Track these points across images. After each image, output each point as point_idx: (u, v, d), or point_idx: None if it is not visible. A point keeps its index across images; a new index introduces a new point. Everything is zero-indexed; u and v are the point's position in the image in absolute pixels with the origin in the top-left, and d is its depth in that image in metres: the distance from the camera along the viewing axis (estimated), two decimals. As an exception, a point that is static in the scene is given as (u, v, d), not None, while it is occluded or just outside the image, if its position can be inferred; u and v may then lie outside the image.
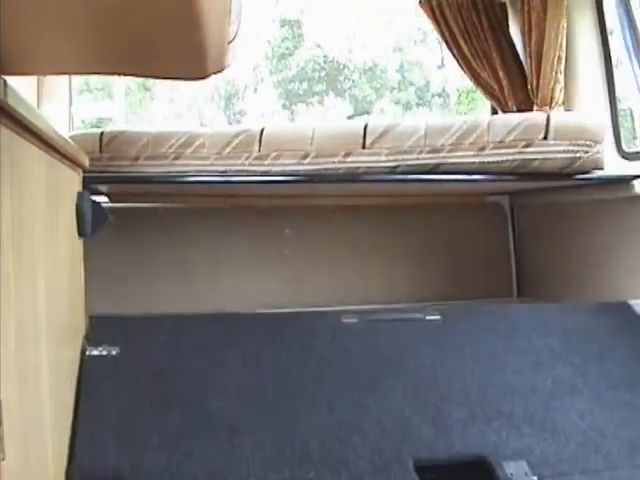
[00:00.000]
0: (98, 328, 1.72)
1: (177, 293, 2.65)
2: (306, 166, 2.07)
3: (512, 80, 2.70)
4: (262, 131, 2.10)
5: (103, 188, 2.29)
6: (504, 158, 2.07)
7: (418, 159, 2.08)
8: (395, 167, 2.07)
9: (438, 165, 2.08)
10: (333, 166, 2.07)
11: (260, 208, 2.71)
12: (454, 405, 1.60)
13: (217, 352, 1.70)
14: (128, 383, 1.58)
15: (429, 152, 2.08)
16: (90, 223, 1.63)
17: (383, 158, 2.07)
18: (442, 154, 2.07)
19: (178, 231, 2.68)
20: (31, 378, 1.08)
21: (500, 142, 2.07)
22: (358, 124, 2.13)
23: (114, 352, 1.64)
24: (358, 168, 2.07)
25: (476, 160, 2.07)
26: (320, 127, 2.13)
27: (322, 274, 2.75)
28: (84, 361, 1.60)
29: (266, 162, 2.07)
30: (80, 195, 1.62)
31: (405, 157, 2.07)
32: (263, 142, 2.08)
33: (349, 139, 2.08)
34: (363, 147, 2.07)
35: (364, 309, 1.91)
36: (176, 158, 2.07)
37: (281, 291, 2.71)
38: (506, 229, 2.94)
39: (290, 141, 2.08)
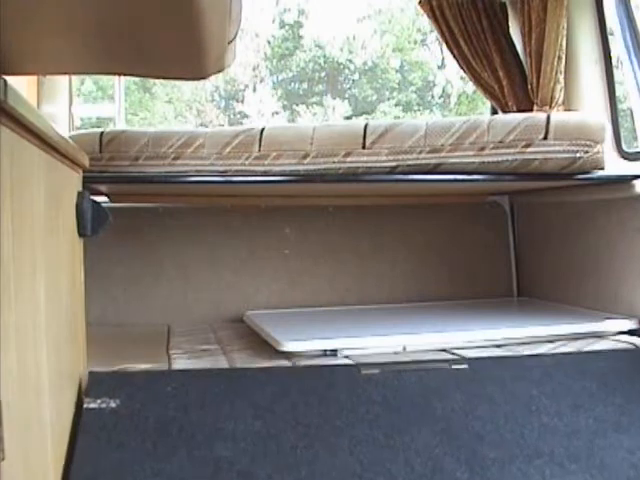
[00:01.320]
0: (97, 382, 1.62)
1: (177, 293, 2.66)
2: (306, 166, 2.07)
3: (512, 80, 2.70)
4: (262, 131, 2.10)
5: (103, 188, 2.29)
6: (504, 158, 2.06)
7: (418, 159, 2.07)
8: (395, 167, 2.07)
9: (438, 165, 2.07)
10: (333, 166, 2.07)
11: (260, 208, 2.72)
12: (489, 445, 1.49)
13: (226, 404, 1.58)
14: (129, 433, 1.47)
15: (429, 152, 2.07)
16: (90, 223, 1.63)
17: (383, 158, 2.07)
18: (442, 154, 2.07)
19: (178, 231, 2.68)
20: (31, 378, 1.08)
21: (500, 142, 2.07)
22: (358, 124, 2.13)
23: (113, 404, 1.54)
24: (358, 168, 2.07)
25: (476, 160, 2.07)
26: (320, 127, 2.13)
27: (322, 274, 2.76)
28: (81, 415, 1.50)
29: (266, 162, 2.07)
30: (80, 195, 1.62)
31: (405, 157, 2.07)
32: (263, 142, 2.08)
33: (349, 139, 2.08)
34: (363, 147, 2.07)
35: (384, 361, 1.80)
36: (176, 158, 2.07)
37: (281, 291, 2.72)
38: (506, 229, 2.94)
39: (290, 141, 2.08)
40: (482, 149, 2.07)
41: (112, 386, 1.60)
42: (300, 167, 2.06)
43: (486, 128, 2.08)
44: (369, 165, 2.07)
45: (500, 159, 2.07)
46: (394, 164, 2.07)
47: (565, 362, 1.83)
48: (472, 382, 1.72)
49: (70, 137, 1.86)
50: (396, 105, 12.59)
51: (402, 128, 2.10)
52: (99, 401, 1.54)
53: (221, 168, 2.07)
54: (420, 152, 2.07)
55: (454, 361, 1.81)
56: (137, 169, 2.06)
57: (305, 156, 2.07)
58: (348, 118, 12.06)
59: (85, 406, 1.53)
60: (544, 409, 1.63)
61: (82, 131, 2.25)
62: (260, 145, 2.07)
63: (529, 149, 2.06)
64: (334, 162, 2.06)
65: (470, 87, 11.16)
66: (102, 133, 2.10)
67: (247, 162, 2.07)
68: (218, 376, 1.71)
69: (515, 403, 1.64)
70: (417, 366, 1.78)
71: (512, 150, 2.06)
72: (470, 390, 1.68)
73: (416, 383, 1.69)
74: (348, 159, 2.07)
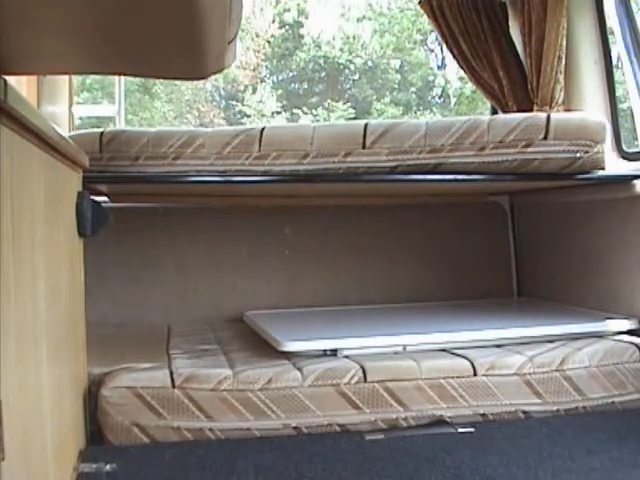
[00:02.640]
0: (94, 449, 1.61)
1: (177, 293, 2.66)
2: (306, 166, 2.06)
3: (512, 80, 2.70)
4: (262, 131, 2.10)
5: (103, 188, 2.29)
6: (504, 158, 2.06)
7: (418, 159, 2.07)
8: (395, 167, 2.07)
9: (438, 165, 2.07)
10: (333, 166, 2.06)
11: (260, 208, 2.71)
12: None
13: (227, 473, 1.56)
14: None
15: (429, 152, 2.07)
16: (90, 223, 1.63)
17: (383, 158, 2.07)
18: (442, 154, 2.07)
19: (178, 231, 2.68)
20: (31, 378, 1.08)
21: (500, 142, 2.07)
22: (358, 124, 2.13)
23: (108, 468, 1.50)
24: (358, 168, 2.07)
25: (476, 160, 2.07)
26: (320, 127, 2.13)
27: (322, 274, 2.75)
28: None
29: (266, 162, 2.06)
30: (80, 195, 1.62)
31: (405, 157, 2.07)
32: (263, 142, 2.07)
33: (349, 139, 2.07)
34: (363, 147, 2.07)
35: (387, 429, 1.78)
36: (176, 158, 2.06)
37: (281, 291, 2.72)
38: (506, 229, 2.94)
39: (290, 141, 2.08)
40: (482, 149, 2.07)
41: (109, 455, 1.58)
42: (300, 167, 2.06)
43: (486, 128, 2.08)
44: (369, 165, 2.07)
45: (500, 159, 2.07)
46: (394, 164, 2.07)
47: (577, 423, 1.83)
48: (480, 440, 1.72)
49: (70, 137, 1.86)
50: (393, 103, 12.57)
51: (402, 128, 2.10)
52: (94, 466, 1.51)
53: (221, 168, 2.06)
54: (420, 152, 2.07)
55: (460, 425, 1.80)
56: (137, 169, 2.06)
57: (305, 156, 2.07)
58: (351, 119, 12.05)
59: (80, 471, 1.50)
60: (557, 455, 1.62)
61: (82, 131, 2.24)
62: (260, 145, 2.07)
63: (529, 149, 2.06)
64: (334, 162, 2.06)
65: (469, 87, 11.16)
66: (102, 133, 2.10)
67: (247, 162, 2.06)
68: (218, 443, 1.70)
69: (526, 452, 1.63)
70: (422, 431, 1.77)
71: (512, 150, 2.07)
72: (478, 446, 1.68)
73: (422, 448, 1.68)
74: (348, 159, 2.07)
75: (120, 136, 2.09)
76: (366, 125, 2.10)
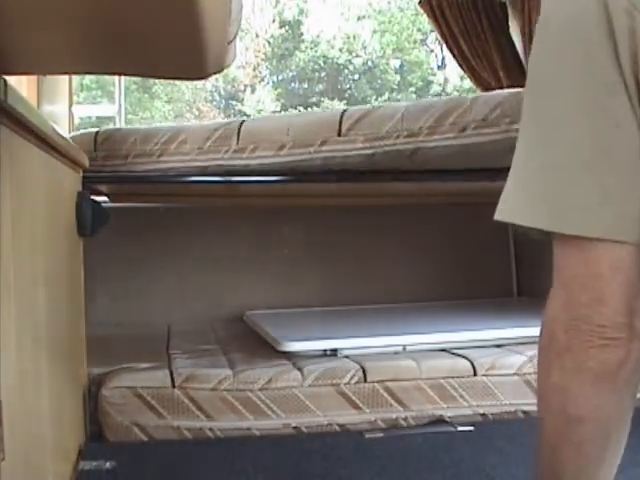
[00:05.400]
0: (94, 447, 1.62)
1: (177, 293, 2.66)
2: (282, 157, 1.95)
3: (512, 80, 2.70)
4: (241, 124, 2.02)
5: (103, 188, 2.29)
6: (487, 139, 1.76)
7: (395, 144, 1.84)
8: (372, 154, 1.88)
9: (416, 150, 1.84)
10: (309, 157, 1.92)
11: (260, 208, 2.71)
12: None
13: (227, 472, 1.56)
14: None
15: (406, 136, 1.84)
16: (90, 223, 1.63)
17: (359, 145, 1.88)
18: (420, 138, 1.83)
19: (178, 231, 2.68)
20: (31, 378, 1.08)
21: (483, 120, 1.77)
22: (336, 111, 1.99)
23: (108, 465, 1.52)
24: (334, 157, 1.90)
25: (455, 142, 1.80)
26: (297, 117, 2.07)
27: (322, 274, 2.75)
28: (75, 479, 1.48)
29: (244, 155, 1.98)
30: (80, 195, 1.62)
31: (382, 143, 1.86)
32: (241, 135, 1.99)
33: (325, 127, 1.92)
34: (339, 134, 1.89)
35: (386, 427, 1.79)
36: (161, 155, 2.02)
37: (281, 291, 2.72)
38: (506, 229, 2.93)
39: (267, 132, 1.98)
40: (463, 129, 1.79)
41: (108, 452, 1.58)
42: (277, 159, 1.95)
43: (469, 105, 1.81)
44: (345, 154, 1.89)
45: (483, 140, 1.76)
46: (370, 151, 1.87)
47: None
48: (480, 439, 1.71)
49: (70, 137, 1.86)
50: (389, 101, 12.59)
51: (380, 112, 1.90)
52: (94, 463, 1.52)
53: (202, 163, 2.00)
54: (397, 137, 1.85)
55: (459, 424, 1.79)
56: (127, 167, 2.02)
57: (282, 147, 1.94)
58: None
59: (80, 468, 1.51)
60: None
61: (81, 131, 2.25)
62: (239, 138, 1.98)
63: (515, 126, 1.71)
64: (310, 152, 1.91)
65: (468, 85, 11.15)
66: (97, 132, 2.08)
67: (226, 156, 1.98)
68: (218, 442, 1.70)
69: (526, 452, 1.63)
70: (421, 430, 1.77)
71: (496, 129, 1.75)
72: (478, 445, 1.67)
73: (422, 442, 1.68)
74: (323, 148, 1.90)
75: (115, 134, 2.07)
76: (343, 112, 1.93)
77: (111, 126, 3.08)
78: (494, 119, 1.76)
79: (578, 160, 0.75)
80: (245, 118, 2.07)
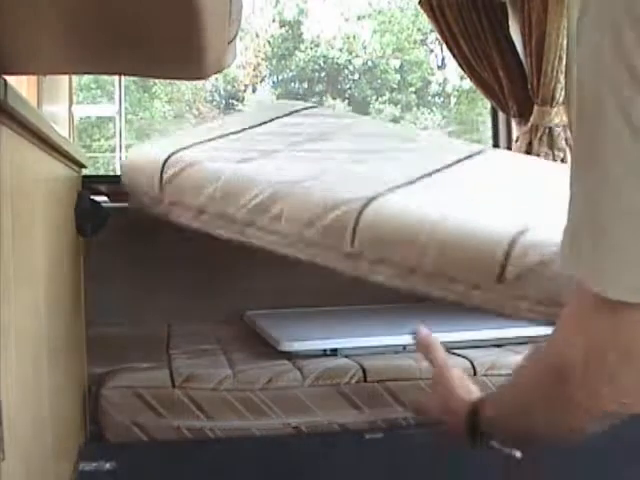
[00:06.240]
0: (94, 447, 1.62)
1: (177, 293, 2.65)
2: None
3: (512, 80, 2.70)
4: (360, 212, 1.44)
5: (103, 188, 2.29)
6: None
7: None
8: None
9: None
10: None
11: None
12: None
13: (227, 471, 1.58)
14: None
15: None
16: (90, 223, 1.63)
17: None
18: None
19: (178, 230, 2.68)
20: (31, 378, 1.08)
21: None
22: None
23: (108, 466, 1.53)
24: None
25: None
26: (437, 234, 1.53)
27: (322, 274, 2.74)
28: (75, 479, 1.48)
29: (359, 264, 1.63)
30: (80, 195, 1.62)
31: None
32: (358, 232, 1.47)
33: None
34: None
35: (386, 427, 1.77)
36: (248, 225, 1.65)
37: (281, 291, 2.71)
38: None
39: (398, 239, 1.49)
40: None
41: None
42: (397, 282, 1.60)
43: None
44: None
45: None
46: None
47: None
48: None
49: (121, 167, 1.65)
50: (392, 104, 12.57)
51: None
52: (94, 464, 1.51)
53: (297, 255, 1.58)
54: None
55: None
56: (200, 225, 1.74)
57: (412, 271, 1.57)
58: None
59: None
60: (556, 453, 1.63)
61: (144, 151, 1.87)
62: (354, 236, 1.47)
63: None
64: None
65: (469, 87, 11.15)
66: (167, 160, 1.68)
67: (333, 256, 1.59)
68: (218, 442, 1.69)
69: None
70: (424, 429, 1.77)
71: None
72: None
73: (422, 441, 1.66)
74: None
75: (189, 173, 1.70)
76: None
77: (112, 126, 3.07)
78: None
79: None
80: (365, 207, 1.40)
